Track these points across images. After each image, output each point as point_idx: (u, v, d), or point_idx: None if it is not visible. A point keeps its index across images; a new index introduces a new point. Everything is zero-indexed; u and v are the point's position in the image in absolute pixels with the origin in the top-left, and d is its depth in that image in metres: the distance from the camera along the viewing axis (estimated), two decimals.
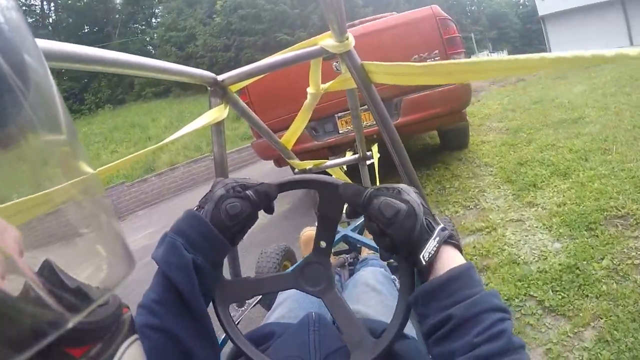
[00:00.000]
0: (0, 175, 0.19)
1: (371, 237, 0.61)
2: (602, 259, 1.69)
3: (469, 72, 0.47)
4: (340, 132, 2.70)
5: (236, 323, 0.58)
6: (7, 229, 0.19)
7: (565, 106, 4.26)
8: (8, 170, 0.19)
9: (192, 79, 0.69)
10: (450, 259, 0.43)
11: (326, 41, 0.68)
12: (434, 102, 2.51)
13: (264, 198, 0.52)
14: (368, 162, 1.54)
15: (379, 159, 1.60)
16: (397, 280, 0.87)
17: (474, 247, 2.03)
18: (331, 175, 0.83)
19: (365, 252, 1.49)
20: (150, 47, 20.07)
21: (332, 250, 1.56)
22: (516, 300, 1.62)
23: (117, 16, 20.35)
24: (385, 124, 0.74)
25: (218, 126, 0.82)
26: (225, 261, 0.58)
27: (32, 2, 18.94)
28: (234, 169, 7.37)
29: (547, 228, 2.05)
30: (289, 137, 1.13)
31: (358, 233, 1.55)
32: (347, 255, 1.43)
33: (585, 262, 1.72)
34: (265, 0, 13.51)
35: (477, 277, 0.42)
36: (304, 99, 1.01)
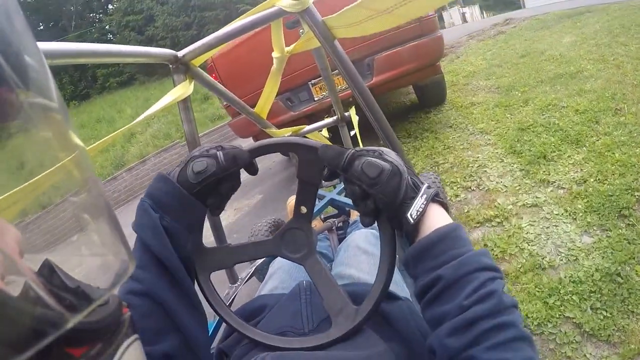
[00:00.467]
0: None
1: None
2: None
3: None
4: (315, 99, 2.56)
5: (231, 298, 0.73)
6: (7, 230, 0.20)
7: (558, 59, 3.84)
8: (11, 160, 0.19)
9: (152, 58, 0.68)
10: (438, 218, 0.42)
11: (283, 0, 0.67)
12: (406, 58, 2.40)
13: (232, 161, 0.48)
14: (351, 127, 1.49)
15: (358, 121, 1.50)
16: None
17: (485, 244, 1.62)
18: None
19: (354, 215, 1.44)
20: (110, 35, 19.24)
21: (322, 216, 1.55)
22: (549, 325, 1.24)
23: (71, 8, 19.61)
24: (355, 80, 0.72)
25: (185, 103, 0.80)
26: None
27: None
28: None
29: (570, 215, 1.66)
30: (262, 105, 1.08)
31: (345, 196, 1.48)
32: (334, 220, 1.35)
33: (626, 265, 1.35)
34: None
35: (466, 237, 0.41)
36: None
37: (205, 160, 0.47)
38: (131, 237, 0.36)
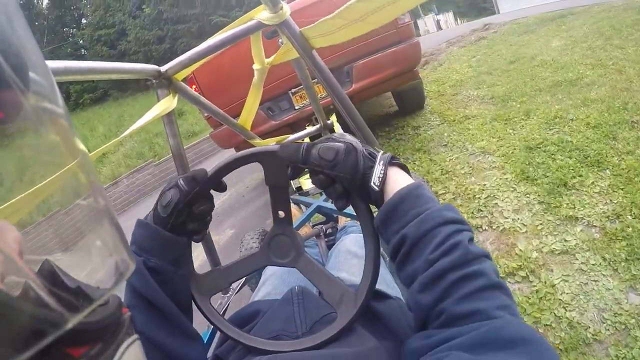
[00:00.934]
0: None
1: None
2: None
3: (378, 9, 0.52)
4: (296, 107, 2.55)
5: (224, 308, 0.77)
6: (7, 230, 0.20)
7: (552, 65, 3.60)
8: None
9: (135, 74, 0.69)
10: (399, 181, 0.43)
11: (261, 14, 0.68)
12: (385, 64, 2.41)
13: (192, 182, 0.49)
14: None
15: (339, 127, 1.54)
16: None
17: None
18: None
19: (342, 221, 1.44)
20: (84, 50, 18.86)
21: (310, 223, 1.58)
22: None
23: (44, 22, 19.04)
24: (334, 88, 0.73)
25: (169, 117, 0.80)
26: None
27: None
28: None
29: (610, 266, 1.32)
30: (245, 117, 1.08)
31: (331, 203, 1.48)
32: (322, 226, 1.35)
33: None
34: None
35: (428, 194, 0.41)
36: None
37: (169, 192, 0.48)
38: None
